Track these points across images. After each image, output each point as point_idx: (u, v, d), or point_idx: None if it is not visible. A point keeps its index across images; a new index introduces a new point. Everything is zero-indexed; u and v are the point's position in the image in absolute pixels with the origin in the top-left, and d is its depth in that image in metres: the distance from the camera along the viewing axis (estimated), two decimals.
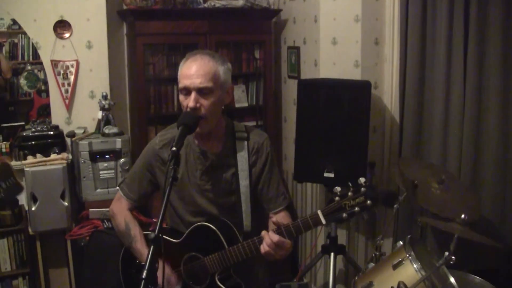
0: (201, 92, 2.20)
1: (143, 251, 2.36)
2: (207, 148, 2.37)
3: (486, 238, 2.65)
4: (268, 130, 4.46)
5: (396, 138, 3.99)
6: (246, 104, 4.69)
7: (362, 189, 1.97)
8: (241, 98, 4.64)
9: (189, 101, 2.20)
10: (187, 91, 2.22)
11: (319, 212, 2.03)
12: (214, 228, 2.26)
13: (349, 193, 1.98)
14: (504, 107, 3.58)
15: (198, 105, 2.20)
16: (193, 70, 2.21)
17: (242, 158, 2.36)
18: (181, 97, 2.25)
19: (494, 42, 3.53)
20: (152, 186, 2.48)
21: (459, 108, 3.71)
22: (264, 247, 2.12)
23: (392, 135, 4.02)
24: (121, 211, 2.51)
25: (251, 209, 2.35)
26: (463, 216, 2.57)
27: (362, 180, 1.97)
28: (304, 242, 4.45)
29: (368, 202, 1.96)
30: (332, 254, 3.63)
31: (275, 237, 2.09)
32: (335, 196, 2.00)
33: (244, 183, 2.35)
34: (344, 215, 1.98)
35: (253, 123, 4.56)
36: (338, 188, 2.01)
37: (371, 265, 2.84)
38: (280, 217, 2.40)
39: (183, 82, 2.23)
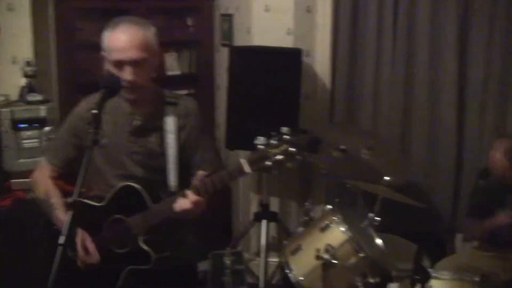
0: (136, 63, 2.18)
1: (62, 218, 2.28)
2: (135, 111, 2.34)
3: (408, 198, 2.71)
4: (201, 99, 4.42)
5: (327, 105, 4.02)
6: (178, 72, 4.61)
7: (285, 137, 1.98)
8: (173, 66, 4.55)
9: (125, 74, 2.18)
10: (120, 64, 2.19)
11: (242, 160, 2.03)
12: (137, 187, 2.24)
13: (273, 142, 1.98)
14: (432, 73, 3.71)
15: (135, 77, 2.19)
16: (125, 42, 2.18)
17: (170, 121, 2.35)
18: (113, 69, 2.21)
19: (423, 9, 3.60)
20: (78, 151, 2.42)
21: (389, 75, 3.82)
22: (179, 205, 2.13)
23: (323, 102, 4.04)
24: (42, 179, 2.46)
25: (178, 172, 2.34)
26: (387, 178, 2.62)
27: (284, 129, 1.99)
28: (237, 210, 4.45)
29: (292, 149, 1.97)
30: (264, 221, 3.64)
31: (188, 194, 2.12)
32: (259, 145, 2.00)
33: (171, 145, 2.33)
34: (268, 163, 2.00)
35: (185, 91, 4.49)
36: (261, 138, 2.02)
37: (301, 229, 2.86)
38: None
39: (115, 55, 2.19)
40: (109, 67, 2.24)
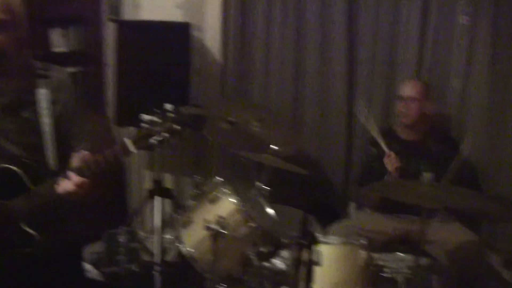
0: None
1: None
2: (3, 86, 2.19)
3: (293, 166, 2.77)
4: (91, 76, 4.28)
5: (218, 79, 4.03)
6: (65, 49, 4.43)
7: (169, 114, 1.97)
8: (59, 42, 4.37)
9: None
10: None
11: (125, 139, 2.00)
12: (15, 169, 2.12)
13: (157, 120, 1.97)
14: (322, 45, 3.77)
15: None
16: None
17: (43, 95, 2.22)
18: None
19: None
20: None
21: (279, 48, 3.86)
22: (61, 187, 2.06)
23: (214, 76, 4.04)
24: None
25: (57, 149, 2.24)
26: (273, 146, 2.67)
27: (168, 106, 1.98)
28: (131, 187, 4.39)
29: (176, 127, 1.96)
30: (158, 198, 3.61)
31: (71, 175, 2.05)
32: (143, 123, 1.98)
33: (46, 121, 2.21)
34: (153, 141, 1.98)
35: (73, 69, 4.33)
36: (145, 116, 1.99)
37: (191, 202, 2.86)
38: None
39: None
40: None
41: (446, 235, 3.09)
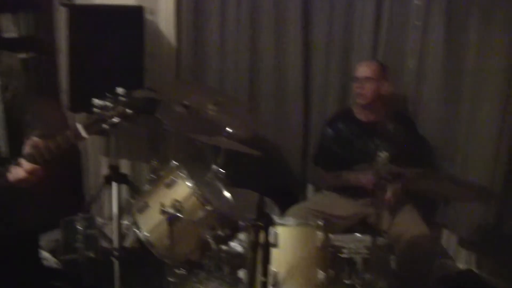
0: None
1: None
2: None
3: (248, 148, 2.77)
4: (43, 62, 4.21)
5: (173, 63, 3.99)
6: (15, 35, 4.32)
7: (121, 98, 1.95)
8: (9, 27, 4.25)
9: None
10: None
11: (77, 125, 1.97)
12: None
13: (108, 104, 1.94)
14: (277, 27, 3.76)
15: None
16: None
17: None
18: None
19: None
20: None
21: (234, 31, 3.83)
22: (13, 174, 2.04)
23: (169, 60, 4.00)
24: None
25: (8, 135, 2.23)
26: (229, 129, 2.66)
27: (120, 90, 1.96)
28: (88, 174, 4.33)
29: (128, 111, 1.95)
30: (115, 184, 3.57)
31: (22, 162, 2.03)
32: (94, 108, 1.96)
33: None
34: (105, 126, 1.96)
35: (25, 55, 4.23)
36: (97, 100, 1.97)
37: (148, 187, 2.84)
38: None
39: None
40: None
41: (400, 228, 3.05)
